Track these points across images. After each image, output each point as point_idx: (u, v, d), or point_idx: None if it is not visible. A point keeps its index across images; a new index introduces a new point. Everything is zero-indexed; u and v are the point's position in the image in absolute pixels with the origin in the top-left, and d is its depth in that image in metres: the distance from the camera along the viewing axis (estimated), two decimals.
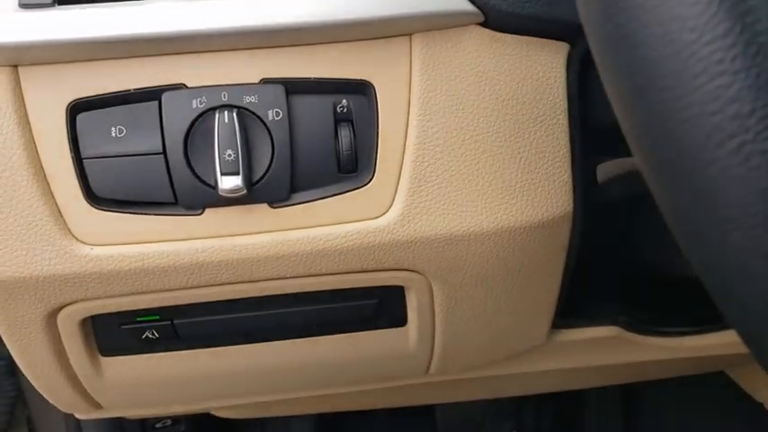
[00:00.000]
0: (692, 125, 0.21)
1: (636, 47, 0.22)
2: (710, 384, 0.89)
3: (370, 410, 0.79)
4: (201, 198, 0.41)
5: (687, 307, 0.61)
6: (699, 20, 0.20)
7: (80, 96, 0.40)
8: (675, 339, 0.61)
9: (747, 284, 0.22)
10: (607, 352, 0.62)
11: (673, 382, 0.82)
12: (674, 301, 0.62)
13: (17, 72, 0.40)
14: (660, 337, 0.61)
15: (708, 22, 0.20)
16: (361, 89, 0.42)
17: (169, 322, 0.46)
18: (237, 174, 0.39)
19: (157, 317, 0.46)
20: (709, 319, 0.60)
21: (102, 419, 0.75)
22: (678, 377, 0.79)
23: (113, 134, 0.40)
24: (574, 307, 0.54)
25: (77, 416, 0.57)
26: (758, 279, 0.21)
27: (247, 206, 0.42)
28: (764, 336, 0.24)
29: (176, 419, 0.79)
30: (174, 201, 0.41)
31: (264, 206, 0.42)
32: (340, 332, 0.49)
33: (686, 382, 0.83)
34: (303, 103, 0.41)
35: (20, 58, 0.39)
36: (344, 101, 0.42)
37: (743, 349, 0.62)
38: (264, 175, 0.41)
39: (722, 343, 0.61)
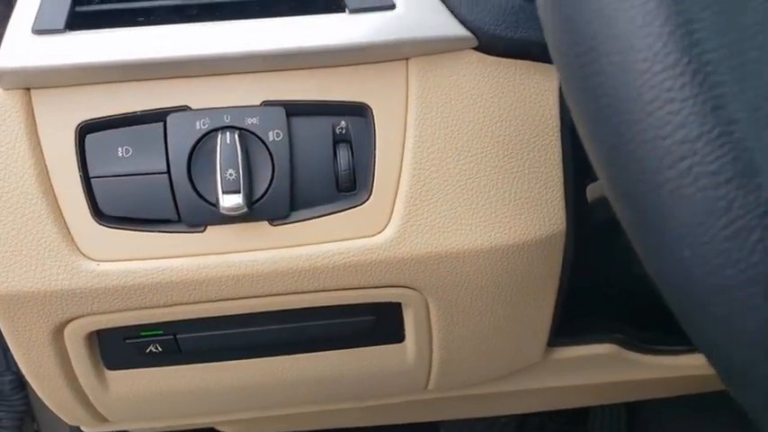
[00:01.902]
0: (648, 148, 0.23)
1: (598, 73, 0.23)
2: (715, 397, 0.89)
3: (371, 427, 0.79)
4: (204, 216, 0.42)
5: None
6: (650, 51, 0.22)
7: (89, 118, 0.42)
8: (674, 357, 0.61)
9: (698, 300, 0.23)
10: (605, 370, 0.62)
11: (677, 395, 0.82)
12: (671, 319, 0.62)
13: (29, 95, 0.41)
14: (658, 356, 0.61)
15: (658, 53, 0.22)
16: (360, 111, 0.43)
17: (172, 337, 0.48)
18: (238, 192, 0.41)
19: (161, 332, 0.47)
20: None
21: None
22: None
23: (120, 154, 0.42)
24: (570, 325, 0.54)
25: (83, 429, 0.58)
26: (706, 294, 0.22)
27: (248, 224, 0.43)
28: (720, 349, 0.25)
29: None
30: (177, 218, 0.43)
31: (265, 224, 0.43)
32: (339, 348, 0.50)
33: (691, 395, 0.83)
34: (303, 124, 0.43)
35: (33, 81, 0.41)
36: (343, 122, 0.43)
37: None
38: (265, 193, 0.42)
39: None
